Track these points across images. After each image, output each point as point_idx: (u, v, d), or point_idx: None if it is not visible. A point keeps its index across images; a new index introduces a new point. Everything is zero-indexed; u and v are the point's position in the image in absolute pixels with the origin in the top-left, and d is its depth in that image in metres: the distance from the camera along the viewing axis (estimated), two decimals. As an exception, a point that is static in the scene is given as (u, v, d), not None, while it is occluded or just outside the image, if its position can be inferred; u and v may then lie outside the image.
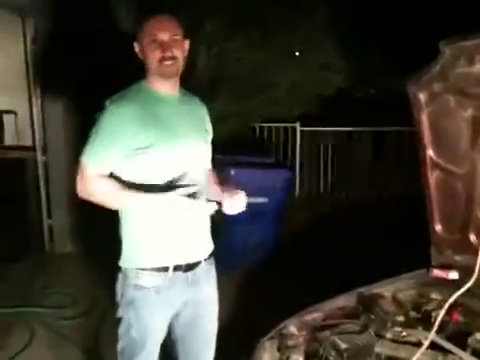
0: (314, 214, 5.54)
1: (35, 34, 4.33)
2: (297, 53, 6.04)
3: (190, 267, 1.82)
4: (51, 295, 3.69)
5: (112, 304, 1.90)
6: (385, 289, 2.10)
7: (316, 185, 6.78)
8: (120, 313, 1.84)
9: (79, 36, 3.99)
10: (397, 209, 5.16)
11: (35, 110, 4.49)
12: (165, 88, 1.80)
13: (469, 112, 1.84)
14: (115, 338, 1.87)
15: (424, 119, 2.01)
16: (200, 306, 1.91)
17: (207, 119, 1.98)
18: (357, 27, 5.86)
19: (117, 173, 1.76)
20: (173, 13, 1.85)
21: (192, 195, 1.70)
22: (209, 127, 1.98)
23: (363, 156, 6.74)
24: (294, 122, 6.62)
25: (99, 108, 1.79)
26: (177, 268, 1.79)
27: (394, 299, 2.07)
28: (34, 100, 4.48)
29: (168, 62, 1.74)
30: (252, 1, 5.27)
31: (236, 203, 1.82)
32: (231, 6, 5.17)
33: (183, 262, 1.80)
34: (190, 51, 1.87)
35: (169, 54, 1.73)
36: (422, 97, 1.98)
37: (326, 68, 6.17)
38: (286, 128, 6.66)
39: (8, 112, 4.65)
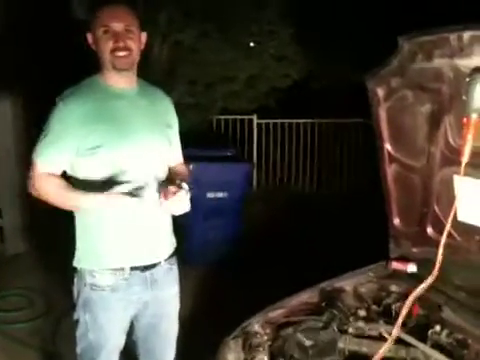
0: (272, 207, 5.56)
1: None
2: (252, 44, 6.02)
3: (148, 267, 1.78)
4: (4, 298, 3.55)
5: (69, 305, 1.85)
6: (346, 283, 2.11)
7: (273, 178, 6.81)
8: (77, 315, 1.80)
9: (28, 26, 3.82)
10: (354, 201, 5.25)
11: (-19, 105, 4.28)
12: (120, 82, 1.74)
13: (427, 107, 1.85)
14: (74, 340, 1.82)
15: (382, 114, 2.02)
16: (161, 306, 1.87)
17: (170, 112, 1.91)
18: (312, 19, 5.89)
19: (71, 172, 1.71)
20: (127, 3, 1.78)
21: (133, 193, 1.62)
22: (173, 121, 1.91)
23: (320, 148, 6.80)
24: (251, 114, 6.61)
25: (51, 104, 1.72)
26: (134, 268, 1.75)
27: (355, 293, 2.09)
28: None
29: (121, 53, 1.67)
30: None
31: (175, 201, 1.64)
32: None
33: (140, 263, 1.75)
34: (145, 42, 1.80)
35: (122, 44, 1.66)
36: (380, 92, 1.99)
37: (282, 60, 6.18)
38: (243, 120, 6.64)
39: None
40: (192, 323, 2.17)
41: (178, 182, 1.68)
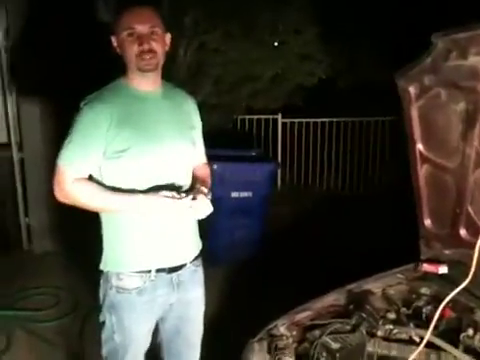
0: (297, 207, 5.51)
1: (7, 28, 4.19)
2: (276, 44, 5.98)
3: (174, 269, 1.77)
4: (31, 296, 3.58)
5: (95, 304, 1.85)
6: (375, 285, 2.07)
7: (297, 178, 6.75)
8: (103, 317, 1.79)
9: (54, 30, 3.86)
10: (381, 201, 5.16)
11: (10, 106, 4.34)
12: (145, 84, 1.73)
13: (461, 105, 1.80)
14: (100, 339, 1.82)
15: (414, 113, 1.97)
16: (186, 309, 1.86)
17: (194, 113, 1.90)
18: (337, 17, 5.82)
19: (97, 176, 1.70)
20: (152, 6, 1.77)
21: (176, 197, 1.62)
22: (196, 121, 1.90)
23: (347, 147, 6.72)
24: (276, 114, 6.57)
25: (75, 107, 1.72)
26: (160, 270, 1.74)
27: (384, 295, 2.05)
28: (8, 95, 4.33)
29: (147, 56, 1.66)
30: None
31: (197, 207, 1.65)
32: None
33: (166, 265, 1.75)
34: (171, 44, 1.78)
35: (147, 47, 1.65)
36: (412, 90, 1.93)
37: (307, 59, 6.13)
38: (267, 120, 6.60)
39: (-19, 108, 4.48)
40: (217, 324, 2.15)
41: (198, 187, 1.69)
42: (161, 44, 1.70)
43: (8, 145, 4.39)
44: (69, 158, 1.64)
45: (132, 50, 1.66)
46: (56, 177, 1.65)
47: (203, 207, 1.65)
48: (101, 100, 1.67)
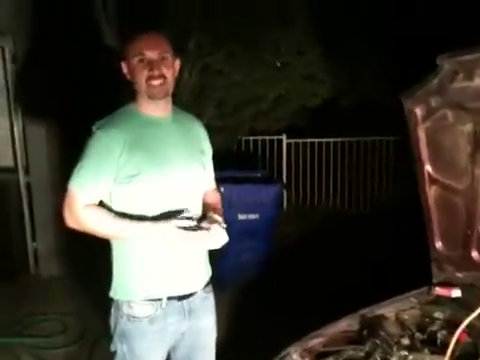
0: (303, 227, 5.49)
1: (14, 51, 4.24)
2: (278, 64, 6.02)
3: (185, 297, 1.75)
4: (38, 323, 3.56)
5: (104, 329, 1.84)
6: (388, 310, 2.04)
7: (303, 197, 6.74)
8: (114, 347, 1.77)
9: (60, 54, 3.91)
10: (388, 220, 5.14)
11: (16, 130, 4.38)
12: (155, 110, 1.73)
13: (468, 126, 1.80)
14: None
15: (421, 134, 1.97)
16: (198, 337, 1.84)
17: (203, 138, 1.90)
18: (340, 37, 5.87)
19: (107, 201, 1.69)
20: (157, 30, 1.79)
21: (191, 226, 1.61)
22: (206, 146, 1.90)
23: (351, 167, 6.72)
24: (280, 134, 6.59)
25: (81, 131, 1.73)
26: (171, 298, 1.72)
27: (398, 320, 2.01)
28: (15, 119, 4.38)
29: (156, 81, 1.66)
30: (233, 15, 5.25)
31: (212, 239, 1.63)
32: (213, 21, 5.14)
33: (177, 293, 1.73)
34: None
35: (157, 73, 1.66)
36: (419, 112, 1.94)
37: (310, 79, 6.16)
38: (272, 141, 6.62)
39: (-12, 133, 4.51)
40: (227, 351, 2.11)
41: (211, 215, 1.68)
42: (171, 70, 1.71)
43: (15, 169, 4.40)
44: (81, 183, 1.63)
45: (142, 76, 1.67)
46: (67, 202, 1.64)
47: (218, 237, 1.63)
48: (114, 125, 1.67)
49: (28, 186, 4.40)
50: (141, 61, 1.67)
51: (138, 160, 1.64)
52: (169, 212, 1.66)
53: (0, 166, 4.73)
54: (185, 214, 1.65)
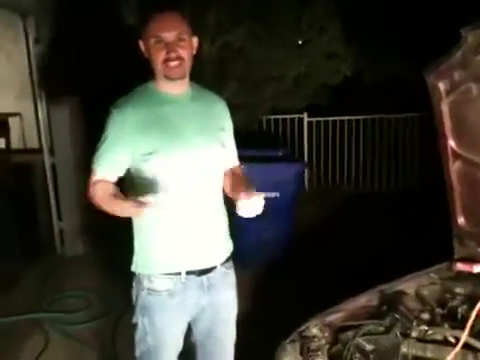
0: (324, 207, 5.46)
1: (37, 34, 4.27)
2: (300, 42, 5.94)
3: (204, 272, 1.78)
4: (65, 299, 3.66)
5: (127, 305, 1.89)
6: (408, 285, 2.04)
7: (325, 177, 6.70)
8: (135, 319, 1.82)
9: (82, 35, 3.93)
10: (411, 199, 5.08)
11: (40, 111, 4.44)
12: (173, 88, 1.74)
13: (493, 100, 1.77)
14: (133, 341, 1.84)
15: (444, 109, 1.94)
16: (218, 311, 1.86)
17: (224, 115, 1.89)
18: (361, 13, 5.76)
19: (128, 179, 1.74)
20: (176, 7, 1.78)
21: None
22: (226, 123, 1.89)
23: (373, 145, 6.63)
24: (301, 113, 6.53)
25: (105, 111, 1.75)
26: (190, 272, 1.75)
27: (418, 296, 2.02)
28: (39, 101, 4.44)
29: (174, 63, 1.67)
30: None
31: (252, 206, 1.64)
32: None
33: (196, 267, 1.76)
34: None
35: (174, 55, 1.66)
36: (442, 86, 1.90)
37: (332, 57, 6.07)
38: (293, 119, 6.58)
39: (13, 115, 4.59)
40: (248, 326, 2.14)
41: (247, 188, 1.68)
42: (188, 50, 1.70)
43: (40, 151, 4.49)
44: (97, 161, 1.69)
45: (159, 57, 1.67)
46: (89, 179, 1.72)
47: (258, 206, 1.62)
48: (129, 103, 1.70)
49: (53, 167, 4.47)
50: (158, 42, 1.66)
51: (153, 138, 1.66)
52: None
53: (26, 148, 4.85)
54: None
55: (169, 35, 1.66)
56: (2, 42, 4.59)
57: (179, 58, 1.67)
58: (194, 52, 1.75)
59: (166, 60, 1.66)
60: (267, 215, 4.12)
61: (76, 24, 3.98)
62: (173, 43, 1.66)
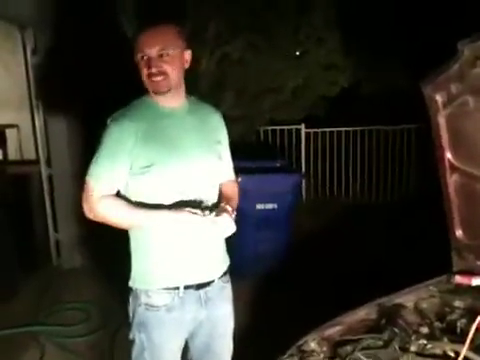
0: (322, 218, 5.45)
1: (34, 45, 4.29)
2: (297, 53, 5.97)
3: (202, 286, 1.77)
4: (62, 311, 3.63)
5: (125, 318, 1.86)
6: (407, 299, 2.02)
7: (322, 188, 6.69)
8: (132, 335, 1.80)
9: (80, 46, 3.94)
10: (408, 210, 5.08)
11: (38, 123, 4.44)
12: (168, 101, 1.74)
13: (490, 113, 1.77)
14: (130, 356, 1.82)
15: (441, 121, 1.94)
16: (215, 325, 1.86)
17: (220, 128, 1.90)
18: (359, 25, 5.79)
19: (124, 192, 1.72)
20: (175, 20, 1.78)
21: (200, 213, 1.64)
22: (223, 136, 1.89)
23: (370, 156, 6.64)
24: (299, 124, 6.55)
25: (102, 124, 1.75)
26: (188, 287, 1.74)
27: (417, 309, 1.99)
28: (36, 113, 4.44)
29: (156, 78, 1.67)
30: (251, 4, 5.22)
31: (220, 227, 1.67)
32: (231, 9, 5.12)
33: (194, 282, 1.75)
34: (193, 57, 1.78)
35: (155, 70, 1.66)
36: (439, 99, 1.90)
37: (330, 68, 6.10)
38: (291, 130, 6.59)
39: (10, 126, 4.59)
40: (245, 339, 2.13)
41: (222, 205, 1.71)
42: (174, 64, 1.69)
43: (37, 162, 4.48)
44: (96, 174, 1.67)
45: (144, 72, 1.69)
46: (84, 194, 1.68)
47: (226, 226, 1.66)
48: (127, 117, 1.69)
49: (50, 178, 4.46)
50: (142, 58, 1.68)
51: (151, 151, 1.66)
52: (182, 201, 1.68)
53: (23, 159, 4.84)
54: (197, 202, 1.69)
55: (151, 51, 1.66)
56: (0, 53, 4.60)
57: (162, 73, 1.67)
58: (186, 65, 1.75)
59: (149, 75, 1.68)
60: (265, 226, 4.15)
61: (74, 35, 4.00)
62: (154, 59, 1.66)
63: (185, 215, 1.63)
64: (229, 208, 1.70)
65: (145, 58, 1.67)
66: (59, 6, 4.07)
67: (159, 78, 1.67)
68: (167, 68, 1.67)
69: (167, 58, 1.67)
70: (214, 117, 1.88)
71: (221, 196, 1.83)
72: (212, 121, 1.86)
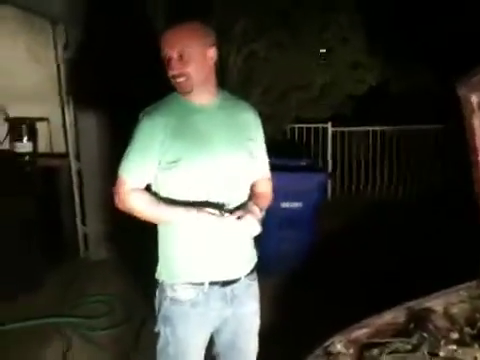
0: (348, 218, 5.39)
1: (66, 40, 4.35)
2: (323, 50, 5.92)
3: (228, 283, 1.77)
4: (87, 304, 3.67)
5: (150, 312, 1.88)
6: (436, 303, 1.98)
7: (348, 187, 6.63)
8: (158, 328, 1.82)
9: (111, 42, 3.98)
10: (437, 210, 5.00)
11: (68, 117, 4.51)
12: (198, 98, 1.74)
13: (527, 114, 1.72)
14: (155, 348, 1.83)
15: (476, 122, 1.89)
16: (241, 323, 1.85)
17: (254, 124, 1.86)
18: (387, 23, 5.73)
19: (155, 188, 1.74)
20: (200, 17, 1.77)
21: (218, 214, 1.65)
22: (256, 133, 1.86)
23: (398, 156, 6.56)
24: (325, 122, 6.50)
25: (131, 118, 1.77)
26: (214, 283, 1.74)
27: (446, 314, 1.96)
28: (66, 107, 4.51)
29: (179, 79, 1.68)
30: (278, 2, 5.20)
31: (243, 228, 1.68)
32: (258, 7, 5.10)
33: (220, 278, 1.75)
34: (219, 55, 1.77)
35: (176, 72, 1.67)
36: (474, 99, 1.86)
37: (357, 67, 6.04)
38: (317, 129, 6.55)
39: (41, 119, 4.66)
40: (270, 338, 2.12)
41: (249, 205, 1.71)
42: (196, 64, 1.68)
43: (66, 155, 4.55)
44: (127, 168, 1.69)
45: (168, 73, 1.70)
46: (116, 187, 1.71)
47: (249, 227, 1.66)
48: (158, 111, 1.71)
49: (79, 172, 4.52)
50: (165, 58, 1.69)
51: (178, 147, 1.67)
52: (207, 200, 1.69)
53: (53, 152, 4.91)
54: (218, 204, 1.69)
55: (171, 52, 1.67)
56: (32, 47, 4.66)
57: (182, 75, 1.67)
58: (210, 63, 1.73)
59: (172, 77, 1.69)
60: (290, 225, 4.13)
61: (105, 31, 4.03)
62: (174, 60, 1.67)
63: (204, 215, 1.64)
64: (255, 209, 1.70)
65: (167, 58, 1.68)
66: (90, 2, 4.12)
67: (181, 79, 1.67)
68: (188, 69, 1.67)
69: (188, 59, 1.66)
70: (247, 114, 1.85)
71: (252, 194, 1.82)
72: (244, 118, 1.83)
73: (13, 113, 4.42)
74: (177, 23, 1.70)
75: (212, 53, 1.72)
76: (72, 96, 4.44)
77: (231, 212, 1.68)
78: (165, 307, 1.77)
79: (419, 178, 6.55)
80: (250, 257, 1.86)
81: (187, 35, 1.68)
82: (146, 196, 1.69)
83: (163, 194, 1.72)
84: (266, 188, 1.91)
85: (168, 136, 1.66)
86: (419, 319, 1.87)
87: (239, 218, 1.65)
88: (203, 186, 1.70)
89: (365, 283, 3.65)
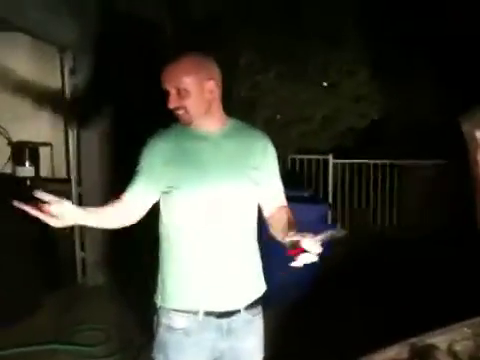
0: (349, 250, 5.36)
1: (73, 67, 4.41)
2: (325, 84, 6.01)
3: (225, 315, 1.71)
4: (84, 331, 3.61)
5: (147, 340, 1.85)
6: (440, 339, 1.95)
7: (349, 220, 6.61)
8: (153, 355, 1.78)
9: (117, 70, 4.03)
10: (439, 245, 4.97)
11: (71, 143, 4.54)
12: (202, 125, 1.73)
13: None
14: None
15: (481, 158, 1.90)
16: (240, 357, 1.78)
17: (261, 152, 1.80)
18: (390, 58, 5.81)
19: (161, 209, 1.75)
20: (204, 49, 1.79)
21: None
22: (263, 162, 1.79)
23: (400, 190, 6.56)
24: (327, 154, 6.53)
25: (133, 146, 1.81)
26: (209, 313, 1.69)
27: (450, 351, 1.92)
28: (70, 132, 4.54)
29: (178, 112, 1.70)
30: (284, 34, 5.30)
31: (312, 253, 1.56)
32: (264, 40, 5.21)
33: (215, 309, 1.69)
34: (225, 85, 1.77)
35: (173, 106, 1.69)
36: (479, 135, 1.87)
37: (359, 100, 6.12)
38: (318, 160, 6.57)
39: (44, 144, 4.68)
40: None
41: (304, 236, 1.59)
42: (193, 98, 1.67)
43: (68, 180, 4.55)
44: (131, 190, 1.72)
45: (167, 106, 1.72)
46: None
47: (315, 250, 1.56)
48: (162, 136, 1.74)
49: (80, 197, 4.52)
50: (165, 92, 1.71)
51: (178, 173, 1.67)
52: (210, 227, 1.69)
53: (55, 178, 4.91)
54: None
55: (169, 86, 1.68)
56: (38, 72, 4.73)
57: (180, 108, 1.69)
58: (208, 96, 1.70)
59: (171, 110, 1.71)
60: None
61: (112, 59, 4.10)
62: (173, 95, 1.68)
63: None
64: (308, 237, 1.58)
65: (166, 92, 1.70)
66: (98, 29, 4.20)
67: (180, 112, 1.69)
68: (185, 103, 1.68)
69: (184, 93, 1.67)
70: (257, 142, 1.81)
71: (286, 224, 1.75)
72: (253, 146, 1.80)
73: (16, 137, 4.45)
74: (174, 58, 1.71)
75: (211, 86, 1.70)
76: (76, 121, 4.47)
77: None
78: (160, 333, 1.73)
79: (420, 211, 6.53)
80: (253, 288, 1.79)
81: (184, 70, 1.68)
82: (104, 208, 1.74)
83: (165, 215, 1.73)
84: (289, 214, 1.83)
85: (167, 161, 1.68)
86: (422, 355, 1.83)
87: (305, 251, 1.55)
88: (201, 212, 1.68)
89: (367, 316, 3.60)
